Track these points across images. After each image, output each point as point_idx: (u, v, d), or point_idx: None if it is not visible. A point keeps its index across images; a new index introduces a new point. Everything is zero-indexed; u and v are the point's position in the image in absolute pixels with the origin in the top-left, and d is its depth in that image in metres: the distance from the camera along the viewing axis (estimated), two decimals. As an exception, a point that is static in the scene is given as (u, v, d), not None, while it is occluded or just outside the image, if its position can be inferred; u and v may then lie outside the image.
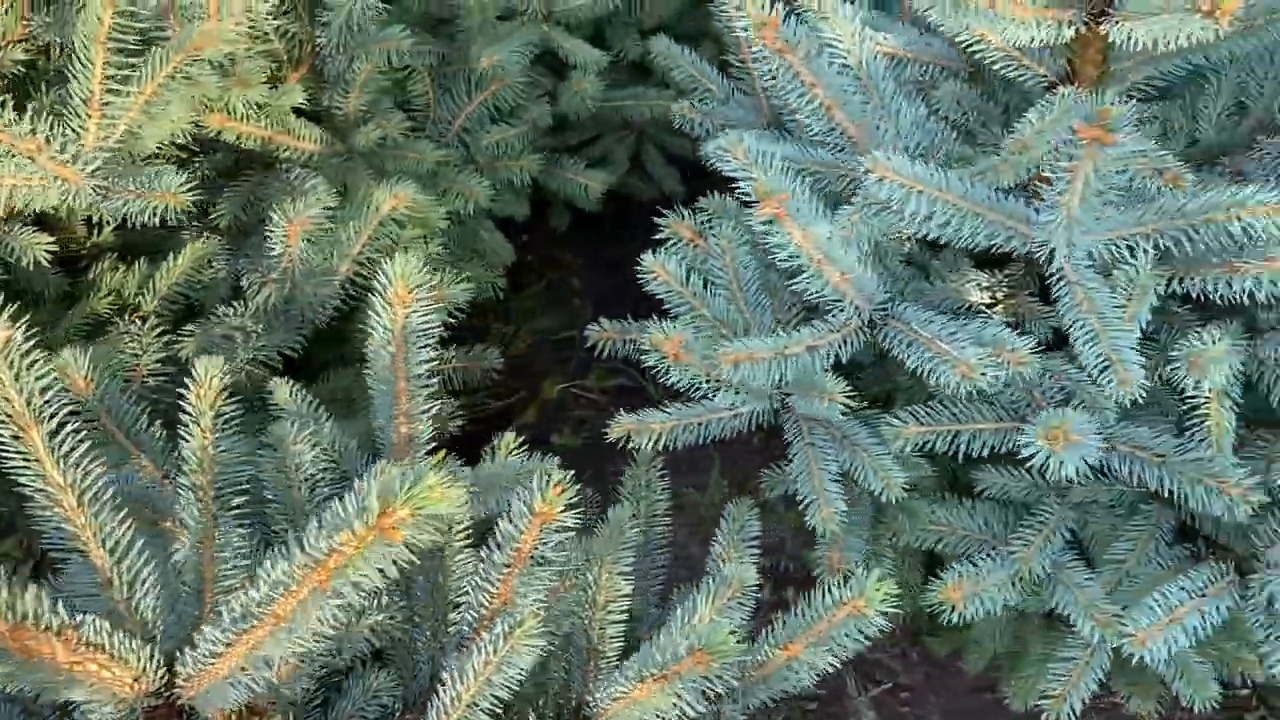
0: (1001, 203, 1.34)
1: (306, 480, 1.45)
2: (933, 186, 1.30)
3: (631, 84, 2.20)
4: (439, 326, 1.92)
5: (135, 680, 1.04)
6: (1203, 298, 1.35)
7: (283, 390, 1.61)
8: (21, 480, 1.05)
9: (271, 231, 1.66)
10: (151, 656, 1.05)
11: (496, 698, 1.21)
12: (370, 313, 1.42)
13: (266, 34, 1.99)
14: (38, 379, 1.03)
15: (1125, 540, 1.53)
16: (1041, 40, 1.29)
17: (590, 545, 1.39)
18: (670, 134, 2.29)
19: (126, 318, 1.81)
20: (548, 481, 1.13)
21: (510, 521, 1.17)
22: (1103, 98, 1.43)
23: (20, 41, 1.79)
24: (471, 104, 2.03)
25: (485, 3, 1.91)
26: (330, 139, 1.99)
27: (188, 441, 1.15)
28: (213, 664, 1.03)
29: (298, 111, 2.03)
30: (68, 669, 0.98)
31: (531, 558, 1.20)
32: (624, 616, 1.39)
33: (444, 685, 1.21)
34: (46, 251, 1.69)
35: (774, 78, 1.40)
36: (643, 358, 1.46)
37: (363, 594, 0.97)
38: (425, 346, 1.48)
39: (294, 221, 1.63)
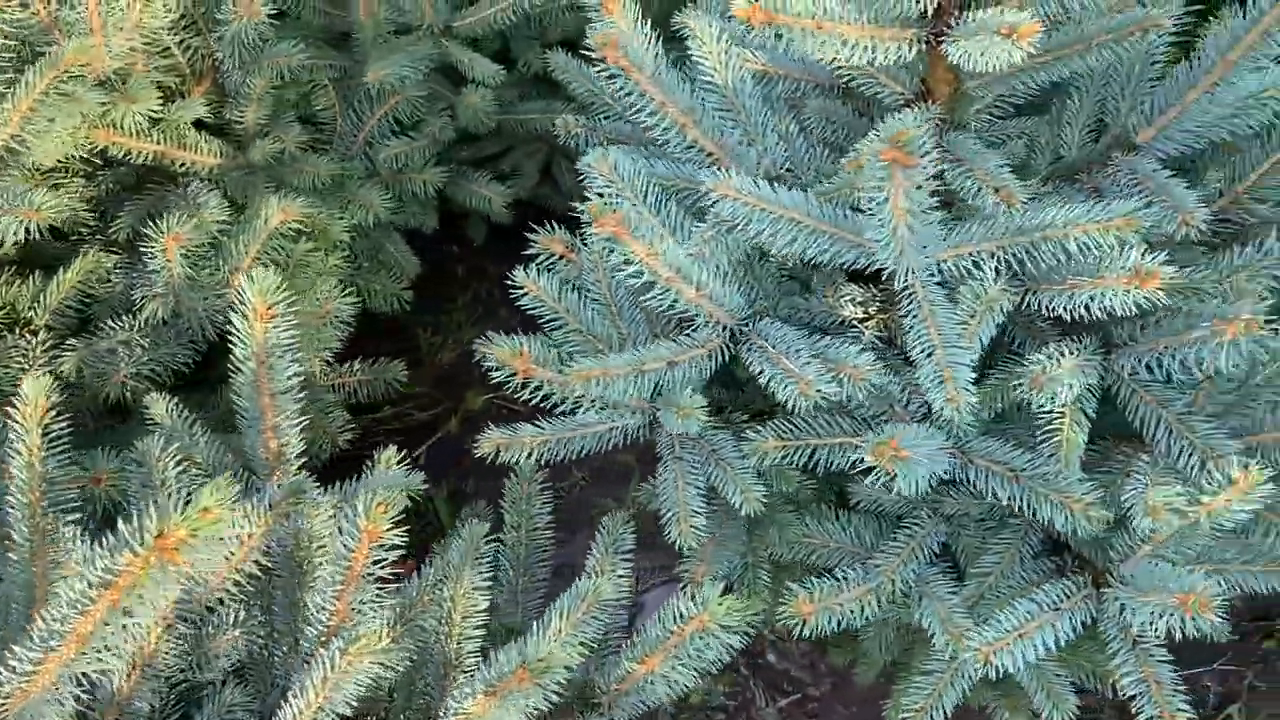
0: (846, 220, 1.35)
1: (170, 496, 1.46)
2: (775, 205, 1.31)
3: (538, 97, 2.21)
4: (335, 339, 1.96)
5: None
6: (1049, 313, 1.36)
7: (159, 405, 1.62)
8: None
9: (150, 247, 1.67)
10: (-33, 674, 1.06)
11: (338, 714, 1.22)
12: (231, 329, 1.43)
13: (167, 47, 2.00)
14: None
15: (992, 554, 1.54)
16: (884, 61, 1.31)
17: (448, 560, 1.40)
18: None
19: (18, 331, 1.82)
20: (373, 500, 1.15)
21: (340, 540, 1.18)
22: (959, 114, 1.44)
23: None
24: (373, 118, 2.04)
25: (377, 19, 1.92)
26: (233, 152, 2.00)
27: (14, 459, 1.16)
28: (27, 682, 1.04)
29: (202, 124, 2.04)
30: None
31: (364, 576, 1.21)
32: (480, 631, 1.39)
33: (287, 701, 1.22)
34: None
35: (627, 95, 1.41)
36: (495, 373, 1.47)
37: (157, 616, 0.98)
38: (291, 361, 1.49)
39: (170, 236, 1.64)
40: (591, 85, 1.98)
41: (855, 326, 1.60)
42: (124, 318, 1.81)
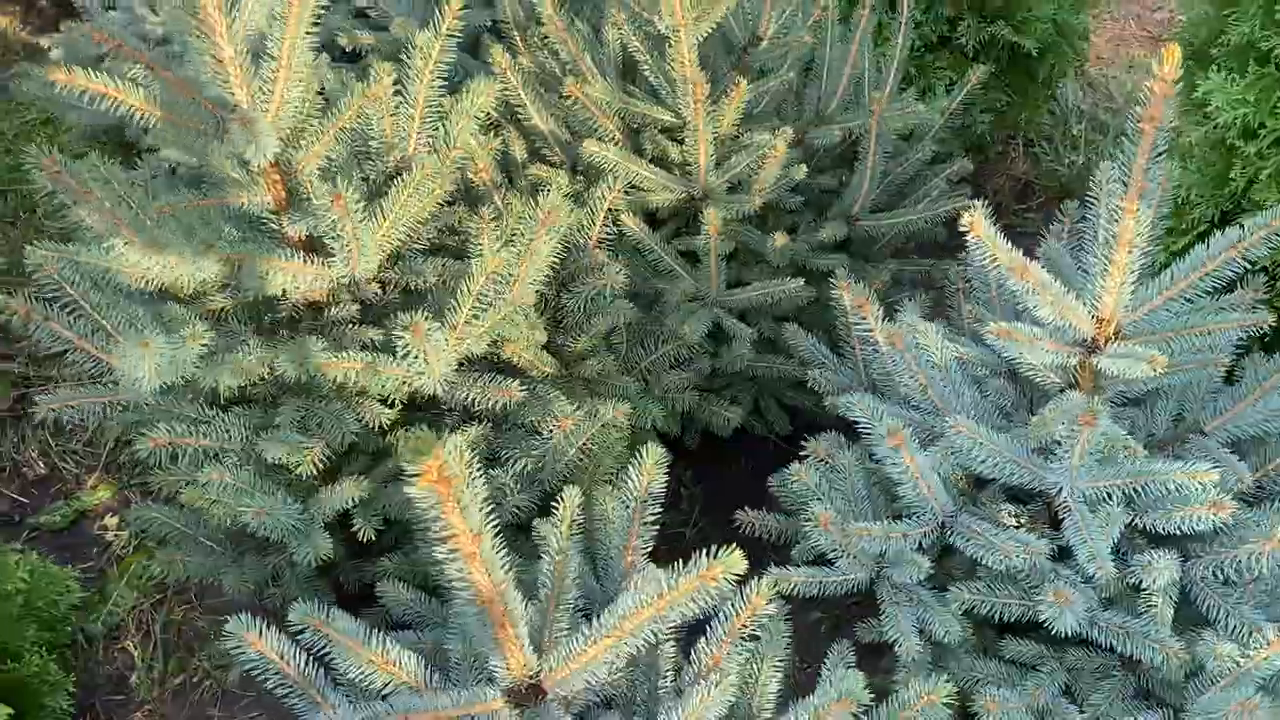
0: (1029, 456, 2.19)
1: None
2: (989, 441, 2.15)
3: (769, 352, 3.09)
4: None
5: (523, 667, 1.78)
6: (1149, 531, 2.17)
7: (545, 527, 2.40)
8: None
9: (547, 427, 2.50)
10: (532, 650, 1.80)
11: (703, 727, 1.94)
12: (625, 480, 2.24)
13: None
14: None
15: (1100, 693, 2.28)
16: (1055, 363, 2.18)
17: (758, 646, 2.14)
18: (787, 388, 3.18)
19: (419, 471, 2.62)
20: (759, 586, 1.92)
21: (731, 605, 1.94)
22: (1095, 400, 2.31)
23: (379, 282, 2.71)
24: (657, 353, 2.93)
25: (680, 296, 2.84)
26: (560, 366, 2.87)
27: (554, 538, 1.94)
28: (570, 663, 1.78)
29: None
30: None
31: (741, 636, 1.95)
32: (775, 696, 2.11)
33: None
34: (386, 419, 2.55)
35: (891, 364, 2.28)
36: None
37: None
38: (653, 509, 2.29)
39: (563, 418, 2.48)
40: (813, 350, 2.87)
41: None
42: (497, 469, 2.61)
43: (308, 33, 2.29)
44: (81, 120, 4.32)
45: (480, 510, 1.54)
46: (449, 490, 1.45)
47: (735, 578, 1.81)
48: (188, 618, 3.44)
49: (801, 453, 2.47)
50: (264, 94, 2.31)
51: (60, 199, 2.71)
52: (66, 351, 2.35)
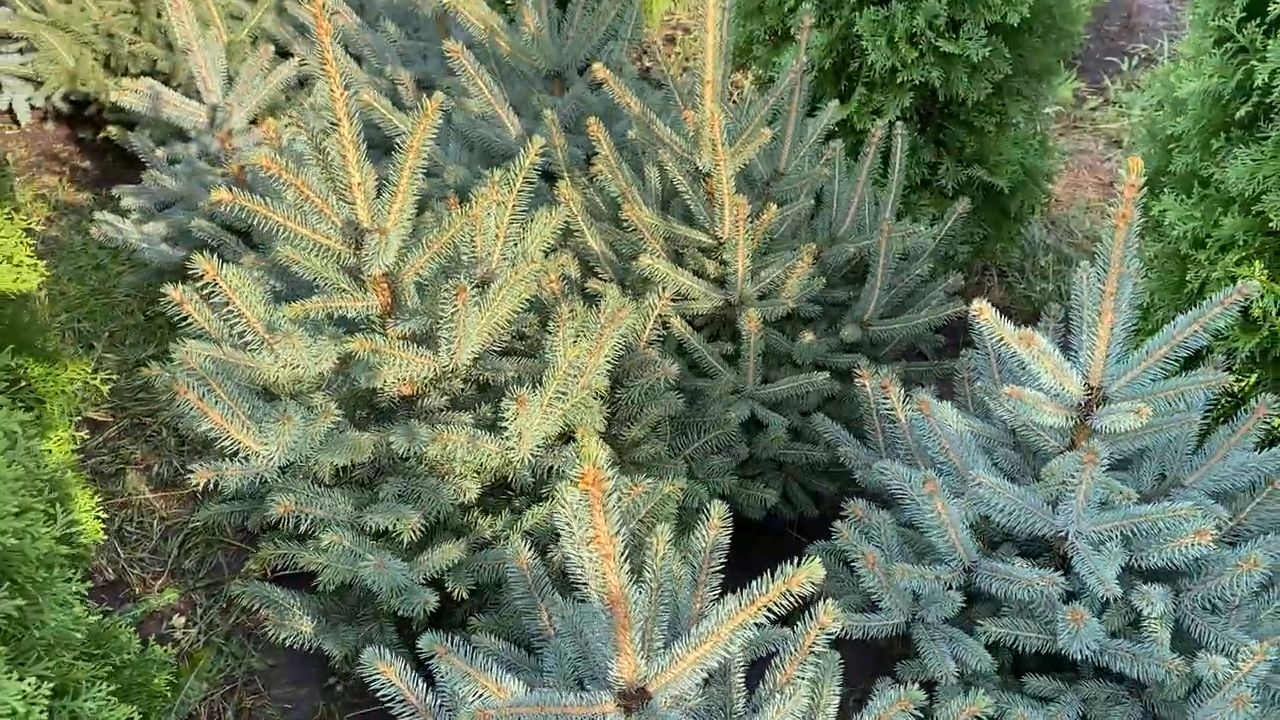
0: (1041, 505, 2.58)
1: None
2: (1006, 492, 2.54)
3: (792, 441, 3.49)
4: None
5: (634, 671, 2.10)
6: (1144, 567, 2.55)
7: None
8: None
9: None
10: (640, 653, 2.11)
11: (779, 736, 2.25)
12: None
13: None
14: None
15: (1112, 716, 2.60)
16: (1053, 424, 2.60)
17: (820, 669, 2.45)
18: (812, 474, 3.57)
19: (500, 543, 2.96)
20: (826, 608, 2.26)
21: (800, 629, 2.27)
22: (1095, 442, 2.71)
23: (462, 379, 3.10)
24: (699, 441, 3.31)
25: (721, 389, 3.26)
26: (613, 454, 3.25)
27: (648, 570, 2.29)
28: (673, 668, 2.10)
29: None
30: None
31: (810, 652, 2.28)
32: (835, 714, 2.42)
33: (748, 729, 2.25)
34: (472, 494, 2.90)
35: (918, 432, 2.69)
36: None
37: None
38: (719, 559, 2.63)
39: (634, 485, 2.84)
40: (838, 435, 3.27)
41: (1024, 579, 2.77)
42: (569, 540, 2.95)
43: (420, 164, 2.76)
44: (153, 261, 4.77)
45: (618, 518, 1.90)
46: (600, 493, 1.81)
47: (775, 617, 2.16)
48: (257, 705, 3.67)
49: (842, 513, 2.85)
50: (382, 214, 2.76)
51: (180, 310, 3.11)
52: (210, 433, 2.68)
